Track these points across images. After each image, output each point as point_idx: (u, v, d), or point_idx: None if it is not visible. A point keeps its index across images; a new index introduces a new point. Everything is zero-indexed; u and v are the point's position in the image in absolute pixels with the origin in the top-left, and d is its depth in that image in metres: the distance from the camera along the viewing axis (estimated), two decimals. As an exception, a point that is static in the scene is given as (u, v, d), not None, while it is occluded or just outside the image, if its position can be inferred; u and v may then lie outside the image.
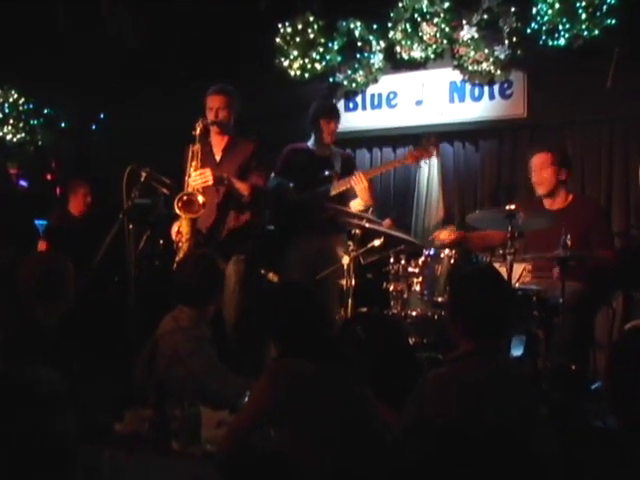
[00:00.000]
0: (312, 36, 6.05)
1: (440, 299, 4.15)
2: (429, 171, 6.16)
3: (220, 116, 4.48)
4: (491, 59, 5.47)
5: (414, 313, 4.27)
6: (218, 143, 4.57)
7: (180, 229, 4.25)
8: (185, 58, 6.42)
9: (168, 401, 2.93)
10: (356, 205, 4.80)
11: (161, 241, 4.91)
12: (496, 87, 5.67)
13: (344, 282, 4.42)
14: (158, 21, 6.29)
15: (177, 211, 4.19)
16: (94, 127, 6.91)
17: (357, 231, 4.46)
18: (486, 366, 2.47)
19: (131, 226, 3.96)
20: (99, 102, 6.62)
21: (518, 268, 4.23)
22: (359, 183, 4.66)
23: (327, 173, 4.86)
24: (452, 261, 4.20)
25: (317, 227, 4.77)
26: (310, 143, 5.01)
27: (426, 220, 6.10)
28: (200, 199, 4.19)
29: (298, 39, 6.07)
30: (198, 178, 4.22)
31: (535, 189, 4.58)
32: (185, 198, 4.22)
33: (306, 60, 6.04)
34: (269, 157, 4.79)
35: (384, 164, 5.28)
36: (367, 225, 4.40)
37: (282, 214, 4.90)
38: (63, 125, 6.85)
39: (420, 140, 6.14)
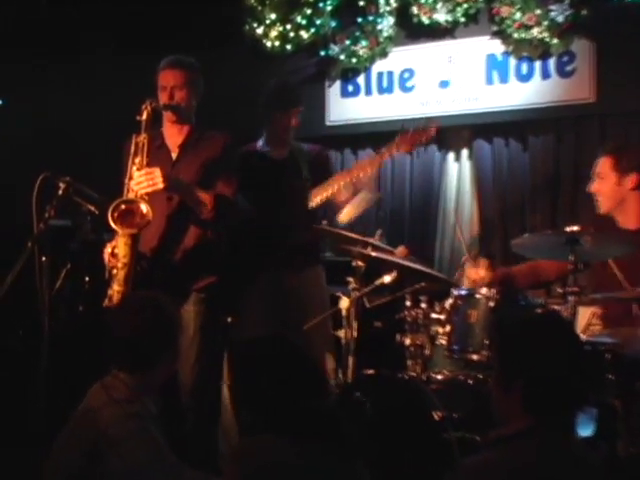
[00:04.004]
0: (296, -8, 6.13)
1: (476, 356, 4.14)
2: (459, 178, 6.21)
3: (176, 98, 4.45)
4: (545, 23, 5.54)
5: (440, 376, 4.25)
6: (174, 135, 4.54)
7: (115, 250, 4.22)
8: (117, 22, 6.44)
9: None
10: (360, 201, 4.80)
11: (87, 278, 4.89)
12: (552, 62, 5.75)
13: (342, 333, 4.41)
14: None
15: (112, 225, 4.16)
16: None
17: (359, 262, 4.45)
18: (547, 452, 2.46)
19: (44, 258, 3.94)
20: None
21: (584, 313, 4.23)
22: (366, 170, 4.67)
23: (293, 182, 4.86)
24: (492, 304, 4.19)
25: (287, 259, 4.77)
26: (261, 143, 5.00)
27: (455, 244, 6.12)
28: (144, 208, 4.14)
29: (277, -3, 6.15)
30: (143, 180, 4.18)
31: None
32: (123, 207, 4.18)
33: (288, 26, 6.10)
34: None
35: (370, 158, 5.24)
36: (373, 254, 4.39)
37: (239, 242, 4.88)
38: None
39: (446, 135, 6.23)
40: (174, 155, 4.50)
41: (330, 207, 4.88)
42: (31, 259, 3.90)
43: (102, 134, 6.17)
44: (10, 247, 4.04)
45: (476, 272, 4.48)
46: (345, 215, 4.85)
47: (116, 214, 4.12)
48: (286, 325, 4.64)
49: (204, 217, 4.36)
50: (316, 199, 4.77)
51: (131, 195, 4.17)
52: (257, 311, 4.77)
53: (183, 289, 4.31)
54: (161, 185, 4.15)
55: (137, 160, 4.20)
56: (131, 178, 4.19)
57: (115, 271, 4.17)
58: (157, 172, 4.17)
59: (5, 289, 3.85)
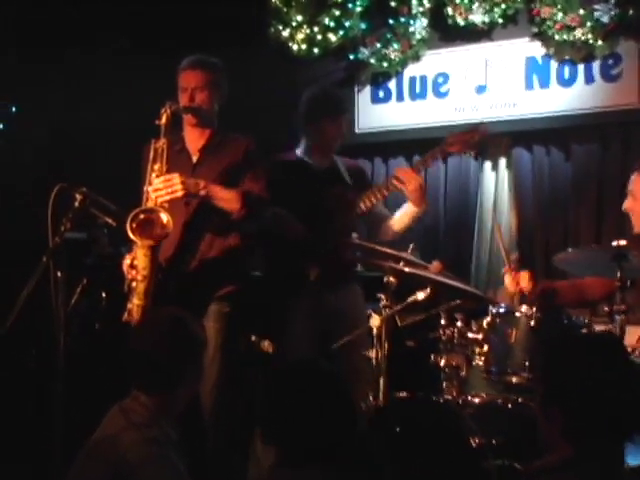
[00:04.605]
0: (324, -8, 6.14)
1: (516, 379, 4.12)
2: (496, 189, 6.18)
3: (197, 100, 4.45)
4: (588, 24, 5.52)
5: (477, 400, 4.22)
6: (194, 139, 4.55)
7: (134, 262, 4.22)
8: (134, 22, 6.47)
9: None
10: (403, 217, 4.85)
11: (104, 294, 4.89)
12: (596, 65, 5.73)
13: (373, 354, 4.40)
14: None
15: (130, 235, 4.16)
16: (1, 126, 6.95)
17: (391, 278, 4.44)
18: (594, 481, 2.45)
19: (60, 273, 3.96)
20: (7, 88, 6.67)
21: (633, 333, 4.20)
22: (411, 180, 4.69)
23: (338, 191, 4.87)
24: (533, 322, 4.17)
25: (332, 274, 4.78)
26: (300, 151, 5.01)
27: (492, 262, 6.09)
28: (164, 217, 4.14)
29: (303, -3, 6.16)
30: (162, 187, 4.18)
31: None
32: (142, 217, 4.19)
33: (315, 29, 6.11)
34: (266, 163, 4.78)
35: (421, 160, 5.20)
36: (406, 269, 4.38)
37: (278, 257, 4.89)
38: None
39: (488, 145, 6.21)
40: (194, 159, 4.52)
41: (372, 220, 4.90)
42: (46, 274, 3.92)
43: (118, 139, 6.20)
44: (24, 262, 4.07)
45: (516, 284, 4.46)
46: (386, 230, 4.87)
47: (135, 224, 4.11)
48: (327, 346, 4.63)
49: (234, 217, 4.35)
50: (367, 202, 4.79)
51: (150, 204, 4.18)
52: (298, 333, 4.78)
53: (200, 301, 4.32)
54: (180, 193, 4.16)
55: (156, 166, 4.21)
56: (150, 184, 4.20)
57: (134, 284, 4.17)
58: (176, 179, 4.17)
59: (19, 306, 3.88)
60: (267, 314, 4.83)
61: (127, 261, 4.23)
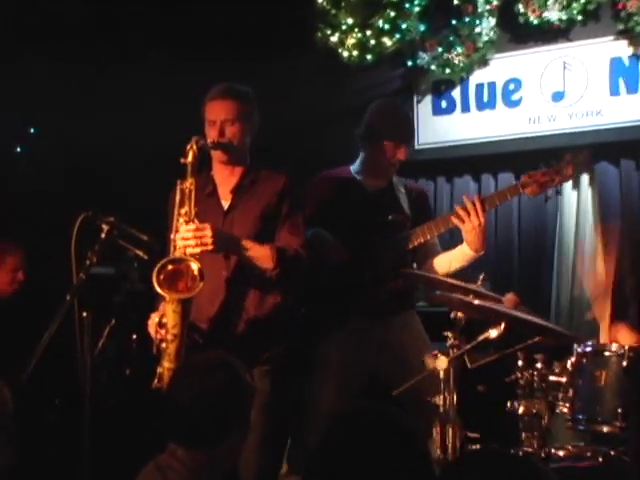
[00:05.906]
0: (377, -8, 6.18)
1: (606, 428, 4.09)
2: (578, 209, 6.15)
3: (228, 134, 4.44)
4: (683, 19, 5.51)
5: (562, 452, 4.20)
6: (225, 179, 4.53)
7: (163, 320, 4.21)
8: (162, 31, 6.55)
9: None
10: (458, 257, 4.83)
11: (134, 335, 4.92)
12: (693, 67, 5.70)
13: (440, 400, 4.38)
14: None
15: (157, 289, 4.13)
16: (19, 149, 7.05)
17: (459, 314, 4.43)
18: None
19: (85, 313, 3.98)
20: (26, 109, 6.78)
21: None
22: (471, 217, 4.64)
23: (391, 217, 4.87)
24: (625, 363, 4.14)
25: (378, 305, 4.78)
26: (355, 168, 5.03)
27: (575, 292, 6.06)
28: (194, 267, 4.11)
29: (353, -2, 6.20)
30: (191, 236, 4.19)
31: None
32: (170, 268, 4.17)
33: (368, 32, 6.13)
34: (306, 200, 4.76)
35: (493, 195, 5.15)
36: (476, 302, 4.37)
37: (317, 286, 4.89)
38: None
39: (561, 159, 6.19)
40: (226, 203, 4.48)
41: (420, 254, 4.89)
42: (70, 315, 3.95)
43: (146, 161, 6.28)
44: (46, 301, 4.11)
45: (626, 337, 4.45)
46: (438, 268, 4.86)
47: (162, 276, 4.05)
48: (378, 385, 4.62)
49: (268, 276, 4.34)
50: (419, 239, 4.78)
51: (178, 253, 4.13)
52: (331, 377, 4.78)
53: (248, 365, 4.32)
54: (210, 247, 4.11)
55: (183, 210, 4.15)
56: (176, 231, 4.15)
57: (164, 344, 4.10)
58: (207, 231, 4.13)
59: (40, 351, 3.91)
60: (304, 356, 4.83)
61: (155, 319, 4.19)
